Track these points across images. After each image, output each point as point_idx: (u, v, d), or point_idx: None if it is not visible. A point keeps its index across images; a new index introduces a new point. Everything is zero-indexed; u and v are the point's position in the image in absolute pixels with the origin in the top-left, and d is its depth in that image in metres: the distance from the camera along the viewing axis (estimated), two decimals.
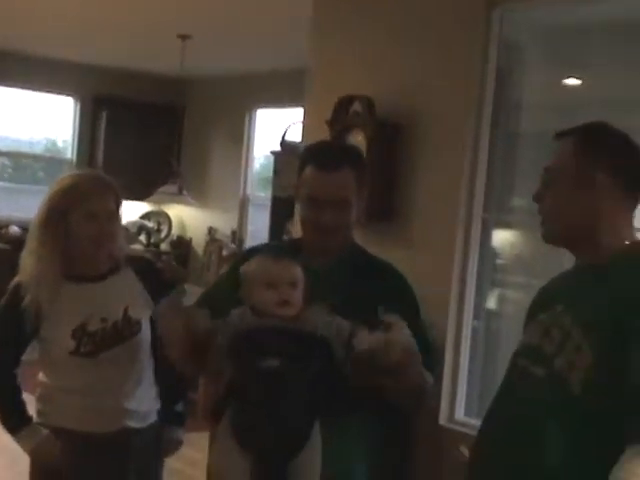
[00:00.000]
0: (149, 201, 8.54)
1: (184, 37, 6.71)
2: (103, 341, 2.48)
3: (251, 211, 8.61)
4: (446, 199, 3.86)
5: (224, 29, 6.52)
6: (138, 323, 2.53)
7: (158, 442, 2.64)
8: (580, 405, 1.78)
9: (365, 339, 1.92)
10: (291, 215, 7.44)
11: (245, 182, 8.63)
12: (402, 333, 1.94)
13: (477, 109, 3.83)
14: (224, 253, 7.17)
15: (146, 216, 9.20)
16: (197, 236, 8.84)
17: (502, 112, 3.95)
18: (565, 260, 2.21)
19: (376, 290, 2.20)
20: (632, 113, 3.94)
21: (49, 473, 2.50)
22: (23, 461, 2.65)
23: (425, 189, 3.91)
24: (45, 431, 2.51)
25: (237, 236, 8.27)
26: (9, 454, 2.95)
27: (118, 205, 2.54)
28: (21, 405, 2.54)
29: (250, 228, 8.50)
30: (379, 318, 1.96)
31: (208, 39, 6.85)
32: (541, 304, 2.03)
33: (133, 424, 2.54)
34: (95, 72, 8.68)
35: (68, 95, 8.88)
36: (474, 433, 3.55)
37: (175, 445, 2.73)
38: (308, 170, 2.23)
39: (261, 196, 8.62)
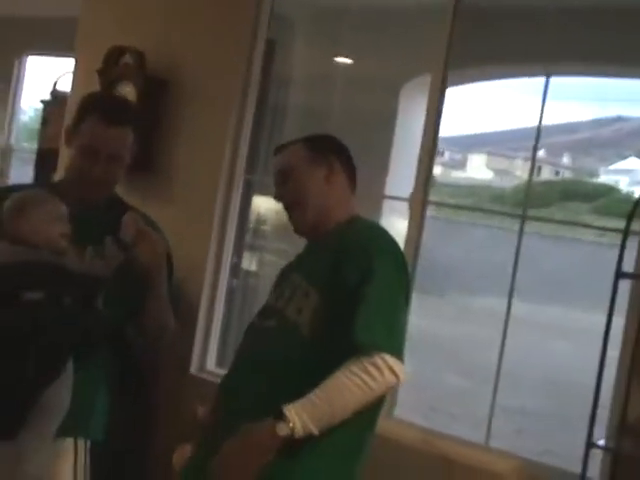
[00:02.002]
0: None
1: None
2: None
3: (15, 163, 8.28)
4: (209, 159, 3.96)
5: None
6: None
7: None
8: (311, 345, 1.99)
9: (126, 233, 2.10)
10: (56, 168, 7.27)
11: (9, 131, 8.27)
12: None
13: (244, 75, 3.94)
14: None
15: None
16: None
17: (271, 81, 4.09)
18: None
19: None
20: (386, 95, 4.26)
21: None
22: None
23: (189, 147, 3.97)
24: None
25: None
26: None
27: None
28: None
29: (11, 180, 8.18)
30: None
31: None
32: (278, 279, 2.27)
33: None
34: None
35: None
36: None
37: None
38: (91, 120, 2.24)
39: (26, 148, 8.32)
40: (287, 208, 2.24)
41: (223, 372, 3.83)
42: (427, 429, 3.42)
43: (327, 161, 2.21)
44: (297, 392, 1.90)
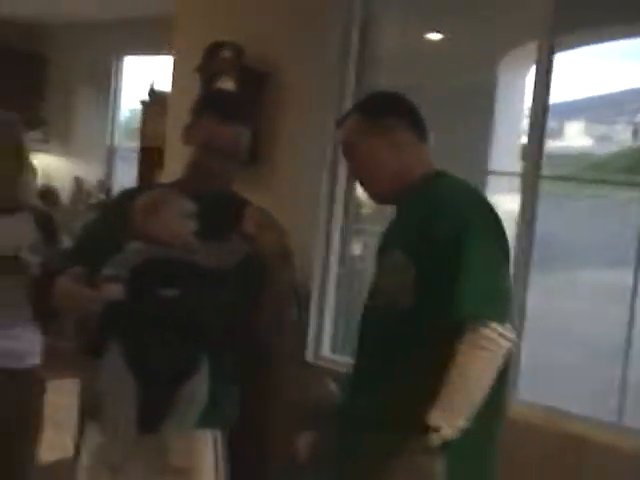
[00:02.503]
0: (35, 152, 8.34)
1: None
2: None
3: (118, 162, 8.50)
4: (311, 146, 3.97)
5: None
6: (27, 264, 2.55)
7: (32, 387, 2.67)
8: (414, 321, 1.97)
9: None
10: (160, 166, 7.42)
11: (112, 132, 8.50)
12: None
13: (342, 59, 3.93)
14: (92, 202, 7.08)
15: None
16: (63, 186, 8.67)
17: (366, 63, 4.07)
18: None
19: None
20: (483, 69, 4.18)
21: None
22: None
23: (291, 136, 4.00)
24: None
25: (105, 186, 8.17)
26: None
27: (17, 146, 2.57)
28: None
29: (117, 178, 8.41)
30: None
31: None
32: (379, 252, 2.22)
33: (3, 363, 2.57)
34: None
35: None
36: (339, 369, 3.77)
37: None
38: (209, 117, 2.26)
39: (128, 147, 8.52)
40: (360, 184, 2.21)
41: (338, 358, 3.92)
42: (552, 408, 3.36)
43: (386, 126, 2.13)
44: (410, 367, 1.95)
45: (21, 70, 8.64)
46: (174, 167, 4.43)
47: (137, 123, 8.59)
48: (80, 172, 8.54)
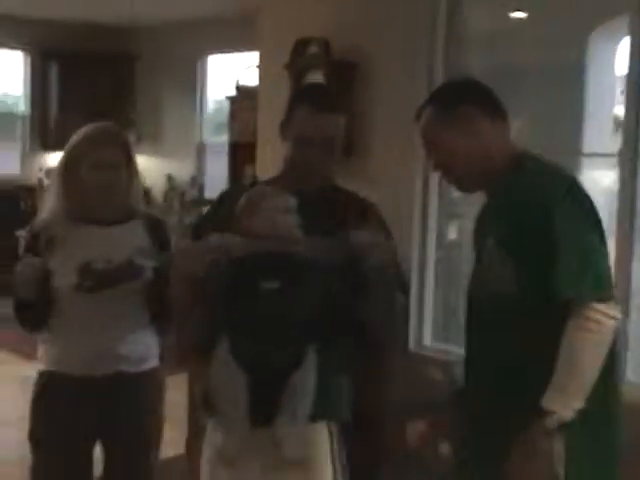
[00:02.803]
0: None
1: None
2: (105, 278, 2.57)
3: (208, 157, 8.65)
4: (403, 135, 3.97)
5: None
6: (141, 268, 2.62)
7: (156, 389, 2.76)
8: (521, 310, 2.00)
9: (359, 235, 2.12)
10: (250, 160, 7.51)
11: (201, 129, 8.65)
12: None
13: (429, 43, 3.93)
14: (186, 199, 7.22)
15: None
16: (155, 184, 8.87)
17: (452, 46, 4.05)
18: None
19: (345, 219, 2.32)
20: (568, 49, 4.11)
21: None
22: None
23: (384, 126, 4.01)
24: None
25: (197, 182, 8.33)
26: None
27: (127, 156, 2.63)
28: None
29: (208, 174, 8.55)
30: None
31: None
32: (476, 239, 2.25)
33: (127, 368, 2.64)
34: (42, 24, 8.57)
35: (16, 49, 8.78)
36: (442, 357, 3.78)
37: None
38: (302, 110, 2.32)
39: (217, 142, 8.66)
40: (443, 175, 2.22)
41: (441, 346, 3.93)
42: None
43: (463, 115, 2.11)
44: (523, 351, 1.99)
45: (110, 72, 8.88)
46: (266, 161, 4.56)
47: (224, 119, 8.75)
48: (172, 170, 8.73)
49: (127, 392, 2.65)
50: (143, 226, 2.70)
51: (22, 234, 5.20)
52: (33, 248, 2.64)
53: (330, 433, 2.28)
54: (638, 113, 3.39)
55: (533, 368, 1.98)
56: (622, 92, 3.87)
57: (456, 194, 4.54)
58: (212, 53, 8.54)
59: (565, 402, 1.89)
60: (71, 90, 8.75)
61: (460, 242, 4.51)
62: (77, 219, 2.63)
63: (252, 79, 7.83)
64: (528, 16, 4.55)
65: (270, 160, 4.56)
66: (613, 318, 1.91)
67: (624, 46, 4.37)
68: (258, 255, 2.12)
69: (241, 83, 7.66)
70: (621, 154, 3.42)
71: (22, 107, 9.00)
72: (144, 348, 2.70)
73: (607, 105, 4.62)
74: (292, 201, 2.19)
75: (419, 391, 3.66)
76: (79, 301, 2.58)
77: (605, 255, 2.04)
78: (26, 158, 8.99)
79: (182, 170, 8.64)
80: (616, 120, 4.99)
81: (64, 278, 2.57)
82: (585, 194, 2.06)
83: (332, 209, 2.35)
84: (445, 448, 3.23)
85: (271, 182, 2.43)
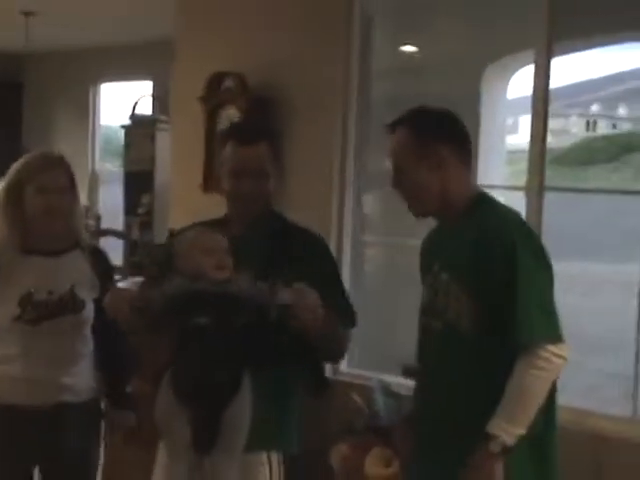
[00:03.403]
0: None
1: (27, 14, 6.62)
2: (46, 310, 2.61)
3: (101, 186, 8.59)
4: (320, 168, 4.11)
5: (67, 5, 6.49)
6: (82, 301, 2.67)
7: (95, 418, 2.80)
8: (474, 345, 2.15)
9: (283, 295, 2.18)
10: (145, 189, 7.52)
11: (93, 157, 8.59)
12: (311, 299, 2.21)
13: (344, 80, 4.07)
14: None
15: None
16: None
17: (363, 79, 4.20)
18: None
19: (294, 254, 2.41)
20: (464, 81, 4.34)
21: None
22: None
23: (298, 159, 4.10)
24: None
25: (91, 212, 8.23)
26: None
27: (71, 181, 2.64)
28: None
29: (103, 203, 8.48)
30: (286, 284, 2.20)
31: (52, 15, 6.78)
32: (425, 265, 2.38)
33: (69, 398, 2.67)
34: None
35: None
36: (357, 381, 3.89)
37: (126, 427, 2.87)
38: (229, 147, 2.47)
39: (109, 170, 8.61)
40: (399, 195, 2.32)
41: (355, 372, 4.04)
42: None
43: (436, 152, 2.21)
44: (472, 391, 2.14)
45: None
46: (181, 190, 4.60)
47: (116, 147, 8.72)
48: None
49: (69, 421, 2.67)
50: (85, 256, 2.73)
51: None
52: None
53: (269, 463, 2.39)
54: (543, 147, 3.61)
55: (481, 395, 2.12)
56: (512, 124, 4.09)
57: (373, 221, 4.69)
58: (105, 81, 8.51)
59: (510, 429, 2.05)
60: None
61: (368, 271, 4.63)
62: (20, 248, 2.64)
63: (146, 108, 7.85)
64: (421, 50, 4.77)
65: (183, 189, 4.64)
66: (562, 358, 2.08)
67: (514, 81, 4.68)
68: (188, 293, 2.21)
69: (137, 112, 7.66)
70: (528, 186, 3.63)
71: None
72: (87, 379, 2.73)
73: (500, 137, 4.88)
74: (215, 241, 2.29)
75: (339, 416, 3.77)
76: (20, 331, 2.60)
77: (553, 296, 2.18)
78: None
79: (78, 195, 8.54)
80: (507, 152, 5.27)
81: (6, 308, 2.59)
82: (538, 236, 2.24)
83: (277, 241, 2.46)
84: None
85: (218, 220, 2.54)
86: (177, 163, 4.75)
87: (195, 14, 4.60)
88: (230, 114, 4.24)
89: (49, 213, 2.60)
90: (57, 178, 2.61)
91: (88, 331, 2.72)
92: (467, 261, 2.16)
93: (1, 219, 2.64)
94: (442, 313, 2.21)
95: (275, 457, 2.42)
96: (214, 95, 4.27)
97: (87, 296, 2.68)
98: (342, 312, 2.43)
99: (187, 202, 4.54)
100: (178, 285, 2.22)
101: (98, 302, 2.60)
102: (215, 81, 4.25)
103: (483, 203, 2.27)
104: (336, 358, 2.60)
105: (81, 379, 2.70)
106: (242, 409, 2.26)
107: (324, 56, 4.08)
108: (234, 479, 2.30)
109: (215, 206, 3.99)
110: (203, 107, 4.33)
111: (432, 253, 2.36)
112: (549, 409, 2.16)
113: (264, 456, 2.39)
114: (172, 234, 2.58)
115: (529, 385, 2.06)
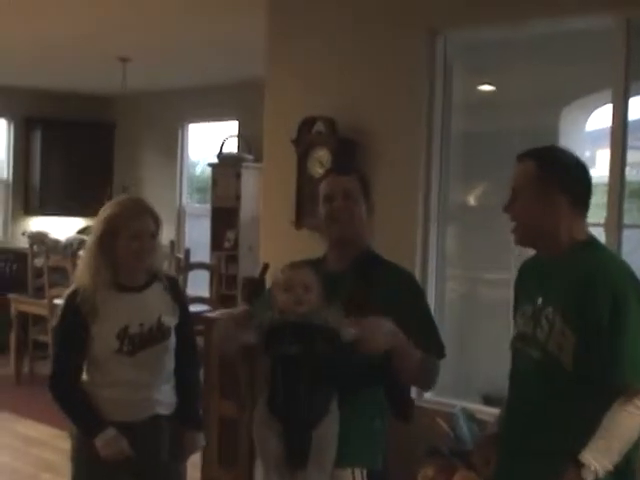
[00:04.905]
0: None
1: (124, 60, 7.03)
2: (141, 342, 2.91)
3: (188, 221, 8.95)
4: (403, 208, 4.33)
5: (160, 52, 6.89)
6: (169, 329, 2.97)
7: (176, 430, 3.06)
8: (572, 378, 2.30)
9: (348, 332, 2.42)
10: (230, 225, 7.86)
11: (181, 193, 8.96)
12: (378, 330, 2.43)
13: (427, 117, 4.32)
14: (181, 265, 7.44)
15: (83, 231, 9.42)
16: None
17: (446, 114, 4.41)
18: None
19: (388, 290, 2.63)
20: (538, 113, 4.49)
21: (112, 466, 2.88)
22: None
23: (382, 198, 4.31)
24: (114, 431, 2.87)
25: (175, 246, 8.58)
26: None
27: (157, 225, 2.95)
28: (94, 409, 2.91)
29: (188, 238, 8.83)
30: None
31: (145, 61, 7.19)
32: (524, 294, 2.53)
33: (162, 411, 2.99)
34: (25, 93, 8.87)
35: (0, 117, 9.05)
36: (439, 408, 4.07)
37: (197, 448, 3.17)
38: (324, 180, 2.75)
39: (196, 207, 8.97)
40: (512, 221, 2.46)
41: (436, 399, 4.23)
42: None
43: (553, 199, 2.34)
44: (562, 418, 2.30)
45: (91, 139, 9.19)
46: (270, 229, 4.87)
47: (202, 184, 9.07)
48: None
49: (163, 429, 2.98)
50: (164, 286, 3.02)
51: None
52: (73, 321, 2.90)
53: (353, 477, 2.61)
54: (622, 184, 3.77)
55: (569, 424, 2.28)
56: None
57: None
58: (192, 121, 8.90)
59: (601, 460, 2.19)
60: (53, 156, 9.05)
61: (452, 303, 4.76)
62: (111, 286, 2.91)
63: (232, 146, 8.21)
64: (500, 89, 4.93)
65: (273, 225, 4.92)
66: None
67: (594, 119, 4.81)
68: (281, 325, 2.49)
69: (224, 151, 8.01)
70: (607, 223, 3.78)
71: (5, 173, 9.23)
72: (171, 395, 3.03)
73: None
74: (301, 277, 2.53)
75: (426, 440, 3.97)
76: (119, 362, 2.90)
77: None
78: (9, 222, 9.20)
79: (162, 234, 8.91)
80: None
81: (105, 342, 2.88)
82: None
83: (370, 277, 2.68)
84: None
85: (316, 258, 2.78)
86: (268, 201, 5.02)
87: (284, 62, 4.90)
88: (320, 155, 4.51)
89: (141, 257, 2.90)
90: (147, 224, 2.90)
91: (173, 352, 3.02)
92: (574, 300, 2.28)
93: (96, 261, 2.91)
94: (544, 344, 2.35)
95: (359, 473, 2.63)
96: (305, 137, 4.55)
97: (171, 322, 2.98)
98: (432, 345, 2.65)
99: (277, 238, 4.83)
100: (269, 318, 2.51)
101: (178, 327, 2.99)
102: (307, 124, 4.52)
103: (592, 246, 2.41)
104: (426, 387, 2.80)
105: (168, 395, 3.02)
106: (331, 428, 2.52)
107: (408, 100, 4.33)
108: None
109: (304, 241, 4.30)
110: (296, 148, 4.61)
111: (534, 285, 2.47)
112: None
113: (349, 471, 2.61)
114: (266, 268, 2.82)
115: (624, 423, 2.21)
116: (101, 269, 2.89)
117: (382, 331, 2.43)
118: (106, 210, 2.95)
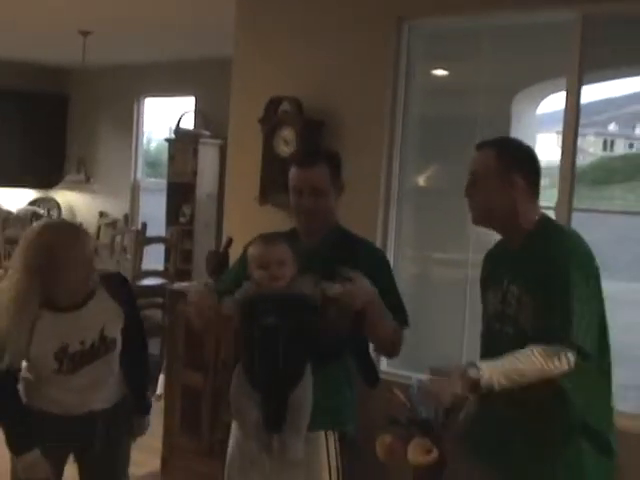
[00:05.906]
0: (58, 189, 8.86)
1: (85, 33, 7.04)
2: (82, 359, 2.85)
3: (142, 195, 8.98)
4: (365, 189, 4.48)
5: (122, 25, 6.90)
6: (113, 341, 2.91)
7: (124, 417, 3.08)
8: (526, 337, 2.46)
9: (332, 287, 2.59)
10: (186, 200, 7.93)
11: (136, 168, 8.99)
12: (362, 285, 2.61)
13: (392, 102, 4.47)
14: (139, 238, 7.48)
15: (34, 202, 9.41)
16: (87, 220, 9.13)
17: (409, 98, 4.57)
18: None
19: (357, 262, 2.77)
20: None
21: None
22: None
23: (346, 181, 4.46)
24: (37, 453, 2.82)
25: (130, 219, 8.63)
26: None
27: (89, 250, 2.88)
28: (28, 428, 2.84)
29: (143, 212, 8.88)
30: (341, 275, 2.61)
31: (106, 35, 7.20)
32: (491, 277, 2.72)
33: (99, 407, 2.96)
34: None
35: None
36: (397, 380, 4.24)
37: (145, 429, 3.19)
38: (292, 169, 2.87)
39: (151, 181, 9.01)
40: (470, 207, 2.64)
41: (394, 371, 4.39)
42: None
43: (512, 181, 2.52)
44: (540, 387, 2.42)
45: (47, 113, 9.14)
46: (234, 204, 4.98)
47: (157, 159, 9.12)
48: (105, 207, 9.02)
49: (96, 423, 2.96)
50: (106, 292, 2.92)
51: None
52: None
53: (326, 439, 2.79)
54: (573, 170, 3.98)
55: (548, 392, 2.43)
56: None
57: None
58: (149, 95, 8.92)
59: (492, 373, 2.32)
60: (5, 128, 8.99)
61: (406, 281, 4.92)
62: (45, 309, 2.79)
63: (188, 122, 8.28)
64: (454, 75, 5.06)
65: (237, 201, 5.05)
66: (570, 367, 2.35)
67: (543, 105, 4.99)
68: (259, 297, 2.65)
69: (180, 126, 8.07)
70: (558, 206, 3.99)
71: None
72: (115, 389, 3.01)
73: None
74: (269, 255, 2.67)
75: (384, 410, 4.14)
76: (59, 379, 2.86)
77: (596, 311, 2.47)
78: None
79: (115, 207, 8.94)
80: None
81: (44, 364, 2.82)
82: (587, 256, 2.53)
83: (341, 250, 2.85)
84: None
85: (287, 232, 2.93)
86: (232, 177, 5.13)
87: (252, 42, 5.00)
88: (286, 135, 4.64)
89: (85, 280, 2.82)
90: (84, 249, 2.79)
91: (117, 357, 2.96)
92: (534, 275, 2.47)
93: (27, 296, 2.74)
94: (515, 320, 2.53)
95: (331, 435, 2.81)
96: (271, 117, 4.67)
97: (116, 331, 2.91)
98: (398, 313, 2.84)
99: (241, 213, 4.96)
100: (246, 291, 2.66)
101: (125, 328, 2.93)
102: (273, 104, 4.65)
103: (547, 226, 2.60)
104: (394, 351, 2.97)
105: (109, 392, 2.99)
106: (305, 394, 2.68)
107: (373, 84, 4.48)
108: (300, 454, 2.70)
109: (267, 217, 4.43)
110: (262, 127, 4.73)
111: (500, 268, 2.66)
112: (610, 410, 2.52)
113: (322, 433, 2.79)
114: (230, 242, 3.00)
115: (534, 363, 2.33)
116: (30, 304, 2.75)
117: (364, 285, 2.62)
118: (39, 236, 2.76)
